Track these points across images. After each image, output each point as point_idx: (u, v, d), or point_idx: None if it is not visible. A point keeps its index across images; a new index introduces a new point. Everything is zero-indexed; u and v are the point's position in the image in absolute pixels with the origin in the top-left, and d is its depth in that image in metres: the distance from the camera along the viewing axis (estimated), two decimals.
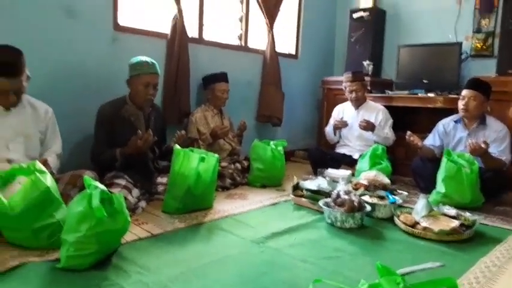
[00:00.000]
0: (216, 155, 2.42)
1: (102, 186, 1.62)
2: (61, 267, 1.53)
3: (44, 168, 1.77)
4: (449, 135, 3.00)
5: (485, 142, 2.60)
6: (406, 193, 2.65)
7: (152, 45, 3.02)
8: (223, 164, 3.06)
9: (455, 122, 2.99)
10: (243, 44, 3.83)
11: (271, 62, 3.87)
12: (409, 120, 3.67)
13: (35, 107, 2.16)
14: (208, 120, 3.20)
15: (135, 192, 2.37)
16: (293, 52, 4.38)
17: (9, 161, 2.03)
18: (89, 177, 1.67)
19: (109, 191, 1.66)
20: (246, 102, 3.85)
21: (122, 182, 2.33)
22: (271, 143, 3.12)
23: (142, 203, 2.36)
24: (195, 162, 2.31)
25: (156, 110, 2.72)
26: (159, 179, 2.63)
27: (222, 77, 3.20)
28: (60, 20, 2.54)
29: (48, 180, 1.73)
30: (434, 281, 0.99)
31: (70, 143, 2.56)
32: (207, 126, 3.17)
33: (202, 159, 2.33)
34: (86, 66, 2.69)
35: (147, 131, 2.43)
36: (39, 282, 1.45)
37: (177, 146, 2.38)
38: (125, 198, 1.92)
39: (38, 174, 1.71)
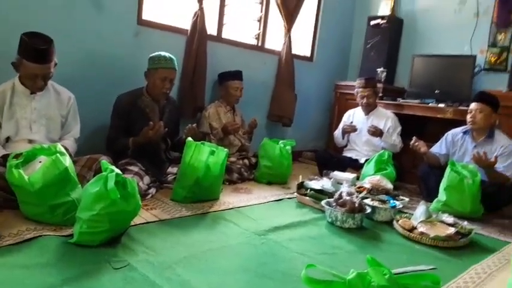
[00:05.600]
0: (226, 150, 2.52)
1: (117, 170, 1.73)
2: (74, 241, 1.64)
3: (63, 150, 1.90)
4: (456, 145, 3.05)
5: (495, 157, 2.65)
6: (407, 199, 2.70)
7: (173, 40, 3.13)
8: (232, 159, 3.16)
9: (464, 133, 3.04)
10: (260, 44, 3.92)
11: (286, 63, 3.95)
12: (418, 129, 3.71)
13: (58, 92, 2.29)
14: (220, 116, 3.30)
15: (146, 179, 2.48)
16: (308, 55, 4.45)
17: (30, 141, 2.17)
18: (106, 161, 1.79)
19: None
20: (259, 101, 3.94)
21: (135, 168, 2.45)
22: (280, 142, 3.20)
23: (153, 190, 2.47)
24: (205, 155, 2.41)
25: (171, 102, 2.83)
26: (170, 169, 2.74)
27: (237, 75, 3.30)
28: (88, 12, 2.67)
29: (67, 161, 1.85)
30: (418, 275, 1.07)
31: (88, 128, 2.67)
32: (219, 122, 3.27)
33: (212, 153, 2.44)
34: (108, 57, 2.81)
35: (159, 122, 2.54)
36: (53, 254, 1.56)
37: (190, 139, 2.48)
38: (136, 184, 2.03)
39: (58, 155, 1.83)
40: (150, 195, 2.41)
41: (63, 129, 2.34)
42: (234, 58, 3.57)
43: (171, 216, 2.13)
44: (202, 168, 2.38)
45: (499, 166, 2.74)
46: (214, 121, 3.26)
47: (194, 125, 2.74)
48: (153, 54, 2.61)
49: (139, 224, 1.95)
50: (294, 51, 4.05)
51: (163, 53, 2.61)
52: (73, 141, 2.35)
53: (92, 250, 1.61)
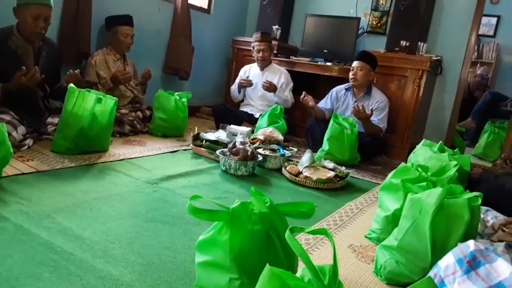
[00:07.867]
0: (115, 98, 2.36)
1: None
2: None
3: None
4: (339, 100, 3.32)
5: (371, 110, 2.95)
6: (296, 149, 2.88)
7: None
8: (124, 111, 3.00)
9: (346, 89, 3.31)
10: None
11: (182, 12, 3.78)
12: (308, 85, 3.93)
13: None
14: (109, 65, 3.05)
15: (21, 129, 2.22)
16: (206, 6, 4.32)
17: None
18: None
19: None
20: (153, 52, 3.74)
21: (7, 117, 2.17)
22: (176, 93, 3.12)
23: (29, 141, 2.23)
24: (90, 103, 2.24)
25: (49, 45, 2.52)
26: (50, 119, 2.49)
27: (127, 20, 3.05)
28: None
29: None
30: (296, 203, 1.15)
31: None
32: (108, 71, 3.03)
33: (99, 101, 2.27)
34: None
35: (35, 66, 2.26)
36: None
37: (72, 85, 2.26)
38: (9, 134, 1.81)
39: None
40: (26, 147, 2.17)
41: None
42: (124, 2, 3.30)
43: (51, 167, 1.95)
44: (87, 117, 2.21)
45: (374, 119, 3.07)
46: (102, 70, 3.01)
47: (77, 71, 2.49)
48: None
49: (12, 175, 1.76)
50: (191, 0, 3.89)
51: None
52: None
53: None
